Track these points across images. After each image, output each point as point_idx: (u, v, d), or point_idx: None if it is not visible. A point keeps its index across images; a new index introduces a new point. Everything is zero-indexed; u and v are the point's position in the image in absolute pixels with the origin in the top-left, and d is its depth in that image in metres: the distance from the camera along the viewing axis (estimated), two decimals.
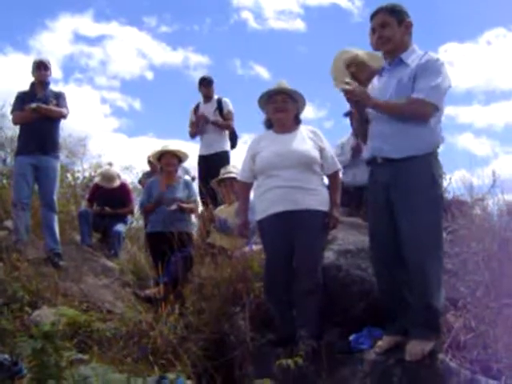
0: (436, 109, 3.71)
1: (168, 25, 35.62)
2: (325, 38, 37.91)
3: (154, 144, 28.88)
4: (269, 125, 4.80)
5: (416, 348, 3.56)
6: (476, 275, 4.12)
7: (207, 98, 8.43)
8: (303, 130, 4.69)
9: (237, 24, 36.32)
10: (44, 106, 6.74)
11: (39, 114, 6.66)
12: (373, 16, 3.96)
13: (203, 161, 8.25)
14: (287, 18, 37.09)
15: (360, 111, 4.07)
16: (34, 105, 6.66)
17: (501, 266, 4.06)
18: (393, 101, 3.81)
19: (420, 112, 3.73)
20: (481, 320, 3.73)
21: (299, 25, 36.97)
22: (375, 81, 4.14)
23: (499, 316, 3.68)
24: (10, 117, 7.26)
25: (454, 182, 5.90)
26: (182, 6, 35.03)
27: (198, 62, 34.68)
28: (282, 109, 4.64)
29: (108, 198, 8.21)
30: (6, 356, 4.18)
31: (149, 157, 8.78)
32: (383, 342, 3.85)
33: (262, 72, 35.67)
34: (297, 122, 4.73)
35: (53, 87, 7.09)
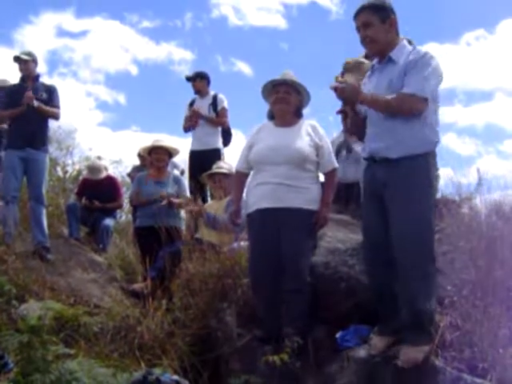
0: (424, 100, 3.64)
1: (150, 20, 35.59)
2: (305, 36, 38.00)
3: (140, 138, 28.89)
4: (271, 116, 4.76)
5: (409, 355, 3.54)
6: (463, 274, 4.13)
7: (198, 92, 8.40)
8: (303, 124, 4.64)
9: (217, 20, 36.36)
10: (42, 106, 6.71)
11: (31, 108, 6.63)
12: (356, 15, 3.87)
13: (194, 156, 8.20)
14: (267, 15, 37.16)
15: (353, 108, 4.05)
16: (35, 103, 6.64)
17: (487, 264, 4.08)
18: (380, 96, 3.75)
19: (406, 107, 3.67)
20: (467, 318, 3.74)
21: (280, 22, 37.06)
22: (366, 80, 4.10)
23: (485, 315, 3.69)
24: None
25: (441, 180, 5.92)
26: (162, 2, 34.99)
27: (181, 57, 34.68)
28: (282, 99, 4.60)
29: (97, 192, 8.17)
30: None
31: (139, 151, 8.76)
32: (379, 343, 3.83)
33: (244, 68, 35.69)
34: (298, 115, 4.69)
35: (45, 80, 7.09)
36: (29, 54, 6.91)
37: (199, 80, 8.38)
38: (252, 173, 4.70)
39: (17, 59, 6.83)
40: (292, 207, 4.35)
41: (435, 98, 3.79)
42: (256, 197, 4.50)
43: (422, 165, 3.70)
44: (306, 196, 4.42)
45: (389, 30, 3.84)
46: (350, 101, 3.88)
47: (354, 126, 4.23)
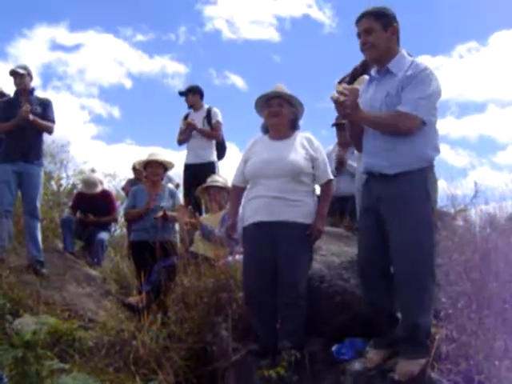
0: (422, 122, 3.62)
1: (144, 33, 35.70)
2: (299, 48, 38.21)
3: (134, 151, 28.93)
4: (266, 129, 4.75)
5: (405, 368, 3.53)
6: (458, 286, 4.13)
7: (191, 107, 8.42)
8: (298, 137, 4.61)
9: (211, 33, 36.48)
10: (37, 119, 6.71)
11: (24, 122, 6.63)
12: (358, 20, 3.84)
13: (189, 169, 8.20)
14: (260, 28, 37.32)
15: (352, 122, 4.04)
16: (30, 117, 6.64)
17: (482, 277, 4.08)
18: (378, 114, 3.73)
19: (404, 126, 3.64)
20: (462, 331, 3.74)
21: (273, 34, 37.21)
22: (364, 87, 4.05)
23: (481, 327, 3.69)
24: None
25: None
26: (156, 16, 35.12)
27: (175, 71, 34.76)
28: (276, 113, 4.58)
29: (91, 206, 8.18)
30: None
31: (134, 164, 8.77)
32: (375, 357, 3.80)
33: (238, 81, 35.77)
34: (293, 127, 4.67)
35: (39, 94, 7.10)
36: (24, 67, 6.93)
37: (192, 95, 8.41)
38: (248, 187, 4.69)
39: (13, 73, 6.84)
40: (288, 221, 4.33)
41: (434, 112, 3.77)
42: (251, 210, 4.49)
43: (418, 178, 3.68)
44: (302, 209, 4.40)
45: (390, 37, 3.81)
46: (348, 118, 3.83)
47: (353, 136, 4.20)
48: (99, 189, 8.42)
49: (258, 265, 4.37)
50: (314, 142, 4.63)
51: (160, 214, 6.48)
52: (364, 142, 3.97)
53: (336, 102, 3.72)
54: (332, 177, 4.68)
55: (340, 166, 6.72)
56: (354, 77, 4.01)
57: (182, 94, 8.49)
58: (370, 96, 3.89)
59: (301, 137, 4.62)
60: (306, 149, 4.53)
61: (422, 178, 3.69)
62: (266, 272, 4.33)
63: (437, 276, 3.85)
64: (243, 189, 4.77)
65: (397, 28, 3.84)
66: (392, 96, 3.73)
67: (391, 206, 3.70)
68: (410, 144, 3.67)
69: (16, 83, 6.86)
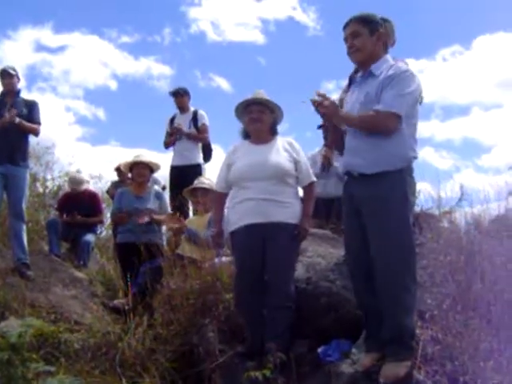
0: (399, 117, 3.64)
1: (129, 35, 35.49)
2: (283, 51, 38.18)
3: (120, 153, 28.80)
4: (245, 135, 4.79)
5: (391, 370, 3.53)
6: (443, 288, 4.16)
7: (180, 108, 8.42)
8: (279, 141, 4.67)
9: (196, 35, 36.27)
10: (23, 122, 6.67)
11: (11, 123, 6.59)
12: (345, 25, 3.90)
13: (175, 171, 8.21)
14: (245, 31, 37.20)
15: (333, 124, 4.07)
16: (16, 120, 6.59)
17: (467, 278, 4.11)
18: (356, 115, 3.79)
19: (382, 125, 3.69)
20: (448, 332, 3.76)
21: (258, 37, 37.12)
22: (349, 93, 4.12)
23: (465, 328, 3.71)
24: None
25: (421, 194, 5.95)
26: (141, 17, 34.88)
27: (160, 72, 34.59)
28: (257, 119, 4.63)
29: (78, 207, 8.16)
30: None
31: (118, 166, 8.74)
32: (365, 359, 3.79)
33: (223, 84, 35.62)
34: (273, 132, 4.72)
35: (24, 95, 7.06)
36: (14, 69, 6.91)
37: (182, 96, 8.40)
38: (232, 191, 4.70)
39: (3, 72, 6.80)
40: (279, 222, 4.38)
41: (414, 114, 3.81)
42: (239, 213, 4.50)
43: (396, 180, 3.70)
44: (291, 210, 4.45)
45: (376, 42, 3.87)
46: (328, 118, 3.91)
47: (335, 140, 4.24)
48: (85, 186, 8.45)
49: (248, 267, 4.40)
50: (295, 145, 4.70)
51: (146, 219, 6.46)
52: (346, 141, 4.01)
53: (314, 103, 3.82)
54: (315, 179, 4.73)
55: (328, 166, 6.74)
56: (350, 85, 4.06)
57: (174, 94, 8.45)
58: (354, 98, 3.95)
59: (282, 141, 4.69)
60: (288, 152, 4.59)
61: (400, 180, 3.72)
62: (256, 274, 4.37)
63: (419, 277, 3.87)
64: (226, 194, 4.81)
65: (382, 34, 3.91)
66: (371, 96, 3.78)
67: (370, 207, 3.73)
68: (389, 143, 3.71)
69: (4, 83, 6.83)
